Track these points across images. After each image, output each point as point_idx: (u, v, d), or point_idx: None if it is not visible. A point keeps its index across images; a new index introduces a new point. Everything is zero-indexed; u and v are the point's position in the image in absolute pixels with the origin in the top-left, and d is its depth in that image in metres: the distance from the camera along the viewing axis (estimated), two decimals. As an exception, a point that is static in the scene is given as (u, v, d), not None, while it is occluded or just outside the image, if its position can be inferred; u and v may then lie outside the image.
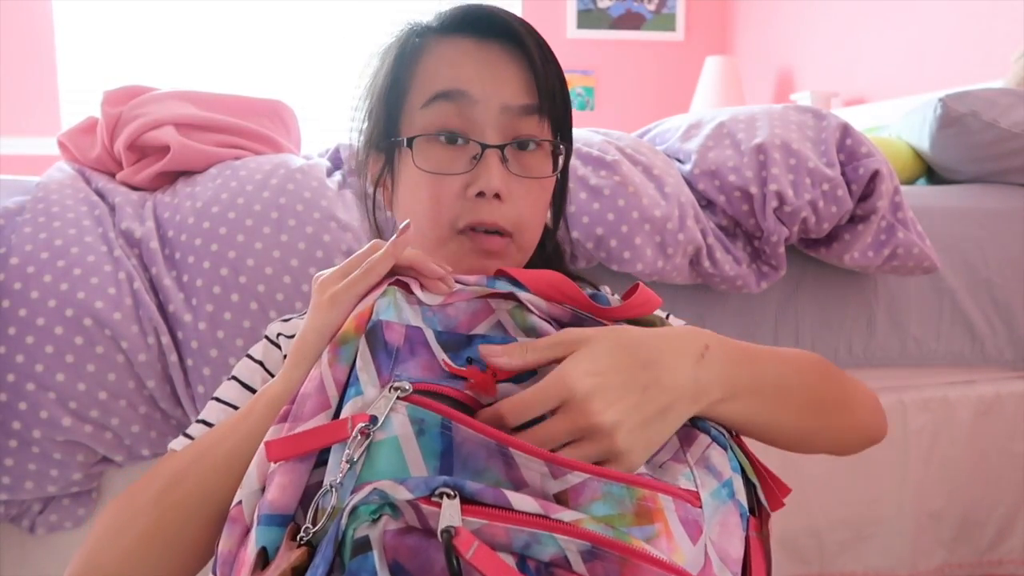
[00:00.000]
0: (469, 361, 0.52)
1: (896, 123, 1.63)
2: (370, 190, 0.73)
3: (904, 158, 1.54)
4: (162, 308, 0.93)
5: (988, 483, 1.27)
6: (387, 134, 0.68)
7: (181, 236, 0.95)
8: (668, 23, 3.77)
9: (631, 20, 3.73)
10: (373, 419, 0.44)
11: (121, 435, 0.90)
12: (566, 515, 0.41)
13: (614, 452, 0.47)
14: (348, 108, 0.73)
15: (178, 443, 0.65)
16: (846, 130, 1.14)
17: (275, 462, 0.45)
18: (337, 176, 1.07)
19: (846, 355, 1.21)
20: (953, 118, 1.40)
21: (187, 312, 0.92)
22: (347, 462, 0.43)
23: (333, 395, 0.48)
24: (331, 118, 3.38)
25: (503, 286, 0.57)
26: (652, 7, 3.75)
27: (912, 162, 1.55)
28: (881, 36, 2.66)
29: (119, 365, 0.89)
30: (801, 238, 1.12)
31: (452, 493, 0.41)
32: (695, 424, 0.53)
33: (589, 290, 0.60)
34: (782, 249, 1.08)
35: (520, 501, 0.41)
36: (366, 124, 0.71)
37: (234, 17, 3.39)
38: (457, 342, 0.54)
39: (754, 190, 1.06)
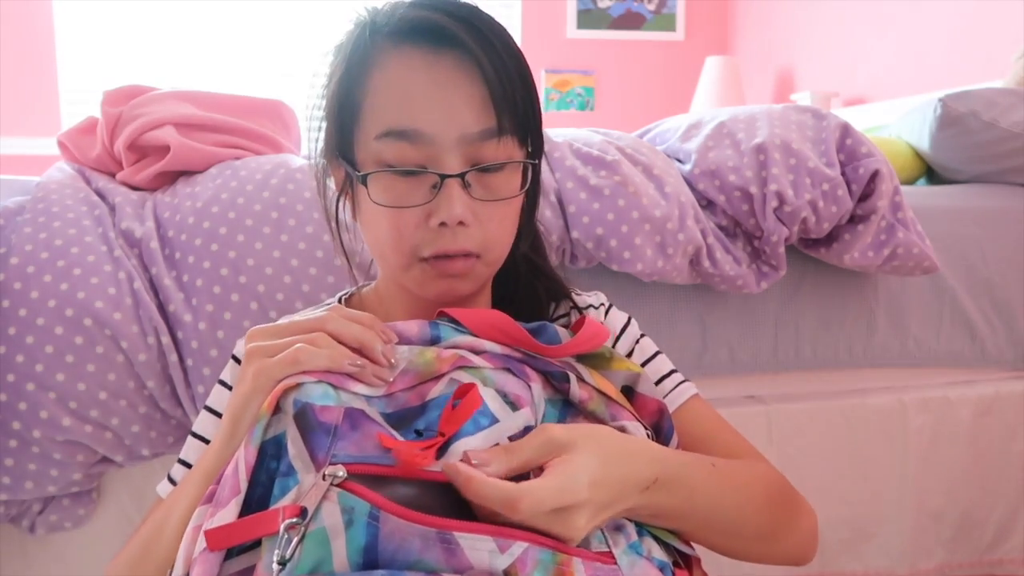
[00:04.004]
0: (418, 434, 0.50)
1: (896, 123, 1.63)
2: (331, 207, 0.71)
3: (904, 158, 1.54)
4: (162, 308, 0.93)
5: (988, 483, 1.27)
6: (341, 149, 0.65)
7: (181, 236, 0.95)
8: (668, 23, 3.77)
9: (631, 20, 3.73)
10: (303, 512, 0.43)
11: (121, 435, 0.90)
12: None
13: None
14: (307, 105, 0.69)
15: (163, 488, 0.68)
16: (846, 130, 1.14)
17: (215, 551, 0.45)
18: (337, 176, 1.07)
19: (846, 355, 1.21)
20: (953, 118, 1.40)
21: (187, 312, 0.92)
22: (279, 563, 0.41)
23: (242, 478, 0.47)
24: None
25: (447, 332, 0.57)
26: (652, 7, 3.74)
27: (912, 162, 1.55)
28: (881, 36, 2.66)
29: (119, 365, 0.89)
30: (801, 238, 1.12)
31: None
32: None
33: (532, 324, 0.60)
34: (782, 249, 1.07)
35: None
36: (323, 130, 0.68)
37: (234, 17, 3.39)
38: (410, 414, 0.52)
39: (754, 190, 1.06)
